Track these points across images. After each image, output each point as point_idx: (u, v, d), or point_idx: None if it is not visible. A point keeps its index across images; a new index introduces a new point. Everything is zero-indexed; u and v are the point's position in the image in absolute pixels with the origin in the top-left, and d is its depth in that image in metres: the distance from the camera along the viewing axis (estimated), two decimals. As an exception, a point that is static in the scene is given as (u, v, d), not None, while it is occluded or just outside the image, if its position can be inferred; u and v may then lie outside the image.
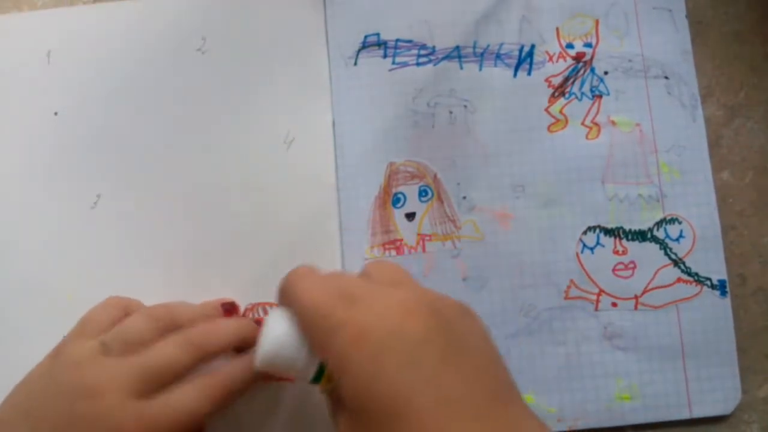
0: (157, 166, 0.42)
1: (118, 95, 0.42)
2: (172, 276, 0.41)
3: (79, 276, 0.41)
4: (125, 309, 0.37)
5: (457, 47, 0.42)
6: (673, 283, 0.40)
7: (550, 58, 0.42)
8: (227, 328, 0.36)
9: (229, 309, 0.39)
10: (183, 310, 0.37)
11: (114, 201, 0.41)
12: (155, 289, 0.40)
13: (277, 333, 0.32)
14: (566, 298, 0.40)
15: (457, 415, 0.27)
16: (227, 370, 0.35)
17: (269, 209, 0.41)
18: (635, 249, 0.40)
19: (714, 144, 0.41)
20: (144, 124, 0.42)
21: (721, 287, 0.40)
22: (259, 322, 0.37)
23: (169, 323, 0.35)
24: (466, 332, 0.30)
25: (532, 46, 0.42)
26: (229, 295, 0.40)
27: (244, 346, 0.36)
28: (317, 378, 0.32)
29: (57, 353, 0.35)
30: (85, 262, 0.41)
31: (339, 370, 0.29)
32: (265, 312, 0.40)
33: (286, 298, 0.33)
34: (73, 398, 0.32)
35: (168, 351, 0.33)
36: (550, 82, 0.42)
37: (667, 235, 0.40)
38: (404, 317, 0.29)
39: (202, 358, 0.34)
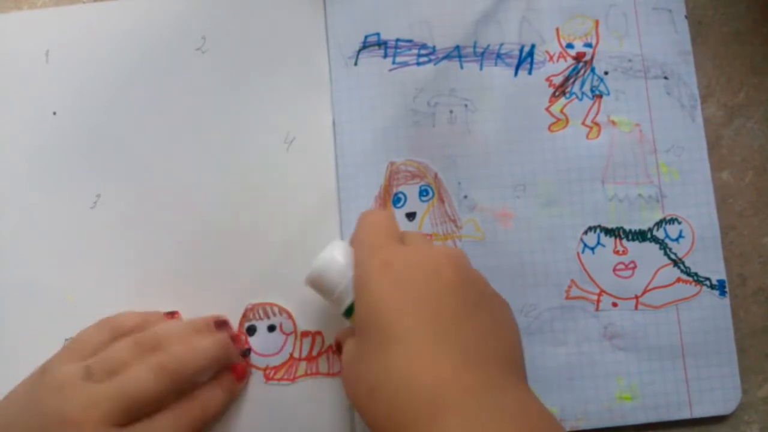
0: (157, 165, 0.41)
1: (117, 95, 0.42)
2: (171, 276, 0.40)
3: (79, 276, 0.41)
4: (116, 330, 0.37)
5: (458, 47, 0.42)
6: (673, 283, 0.40)
7: (551, 58, 0.42)
8: (202, 352, 0.36)
9: (221, 325, 0.39)
10: (170, 332, 0.37)
11: (113, 201, 0.41)
12: (155, 289, 0.40)
13: (330, 256, 0.34)
14: (567, 298, 0.40)
15: (453, 356, 0.28)
16: (203, 398, 0.36)
17: (269, 209, 0.41)
18: (635, 249, 0.40)
19: (714, 144, 0.41)
20: (143, 124, 0.42)
21: (720, 287, 0.40)
22: (235, 338, 0.39)
23: (156, 348, 0.35)
24: (495, 309, 0.32)
25: (533, 46, 0.42)
26: (229, 295, 0.40)
27: (221, 366, 0.38)
28: (350, 310, 0.33)
29: (42, 372, 0.35)
30: (84, 263, 0.41)
31: (361, 284, 0.31)
32: (265, 313, 0.40)
33: (355, 229, 0.35)
34: (50, 425, 0.32)
35: (140, 378, 0.34)
36: (550, 81, 0.42)
37: (667, 235, 0.41)
38: (444, 264, 0.31)
39: (179, 383, 0.35)
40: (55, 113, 0.42)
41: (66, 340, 0.40)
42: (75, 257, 0.41)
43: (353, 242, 0.34)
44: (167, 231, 0.41)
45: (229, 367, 0.38)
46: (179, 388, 0.35)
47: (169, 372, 0.34)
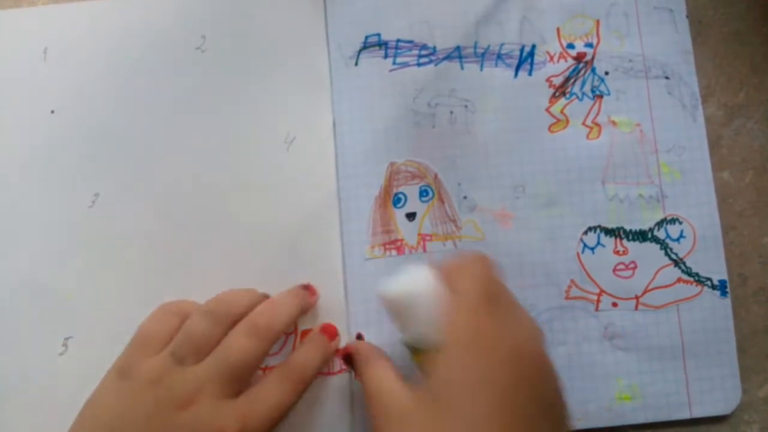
0: (156, 165, 0.41)
1: (116, 93, 0.42)
2: (171, 275, 0.40)
3: (78, 275, 0.40)
4: (180, 314, 0.36)
5: (458, 47, 0.42)
6: (674, 284, 0.40)
7: (551, 58, 0.42)
8: (288, 305, 0.36)
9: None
10: (236, 297, 0.37)
11: (112, 200, 0.41)
12: (154, 287, 0.40)
13: (420, 283, 0.33)
14: (567, 298, 0.40)
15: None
16: (300, 359, 0.36)
17: (270, 209, 0.41)
18: (636, 249, 0.40)
19: (714, 144, 0.41)
20: (143, 123, 0.42)
21: (721, 287, 0.40)
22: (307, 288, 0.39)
23: (230, 316, 0.35)
24: (558, 414, 0.32)
25: (533, 46, 0.42)
26: None
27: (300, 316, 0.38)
28: (418, 350, 0.33)
29: (124, 374, 0.34)
30: (83, 262, 0.40)
31: (449, 349, 0.31)
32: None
33: (455, 267, 0.34)
34: (170, 412, 0.32)
35: (241, 345, 0.34)
36: (550, 82, 0.42)
37: (668, 236, 0.40)
38: (526, 353, 0.31)
39: (273, 342, 0.35)
40: (53, 112, 0.42)
41: (65, 339, 0.40)
42: (73, 256, 0.40)
43: (448, 280, 0.33)
44: (166, 230, 0.41)
45: (319, 328, 0.38)
46: (271, 348, 0.35)
47: (263, 332, 0.34)
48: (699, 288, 0.40)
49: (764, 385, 0.40)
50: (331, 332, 0.38)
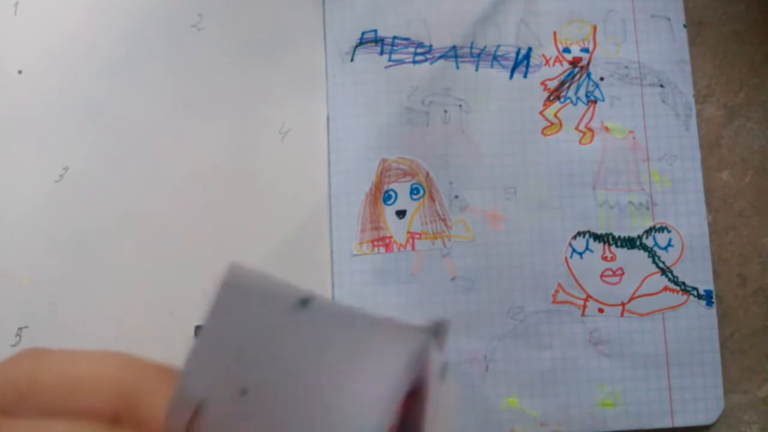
0: (136, 141, 0.38)
1: (94, 58, 0.38)
2: (145, 264, 0.37)
3: (38, 258, 0.36)
4: None
5: (454, 47, 0.42)
6: (660, 292, 0.40)
7: (547, 62, 0.42)
8: None
9: None
10: None
11: (83, 176, 0.37)
12: (124, 278, 0.37)
13: None
14: (554, 302, 0.40)
15: None
16: None
17: (260, 199, 0.40)
18: (624, 256, 0.40)
19: (714, 144, 0.41)
20: (124, 93, 0.38)
21: (707, 297, 0.40)
22: None
23: None
24: None
25: (529, 49, 0.42)
26: (210, 287, 0.38)
27: None
28: None
29: None
30: (45, 243, 0.37)
31: None
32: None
33: None
34: None
35: None
36: (546, 85, 0.41)
37: (656, 244, 0.40)
38: None
39: None
40: (20, 72, 0.38)
41: (19, 329, 0.36)
42: (34, 236, 0.37)
43: None
44: (143, 213, 0.38)
45: None
46: None
47: None
48: (685, 297, 0.40)
49: (764, 385, 0.40)
50: None
